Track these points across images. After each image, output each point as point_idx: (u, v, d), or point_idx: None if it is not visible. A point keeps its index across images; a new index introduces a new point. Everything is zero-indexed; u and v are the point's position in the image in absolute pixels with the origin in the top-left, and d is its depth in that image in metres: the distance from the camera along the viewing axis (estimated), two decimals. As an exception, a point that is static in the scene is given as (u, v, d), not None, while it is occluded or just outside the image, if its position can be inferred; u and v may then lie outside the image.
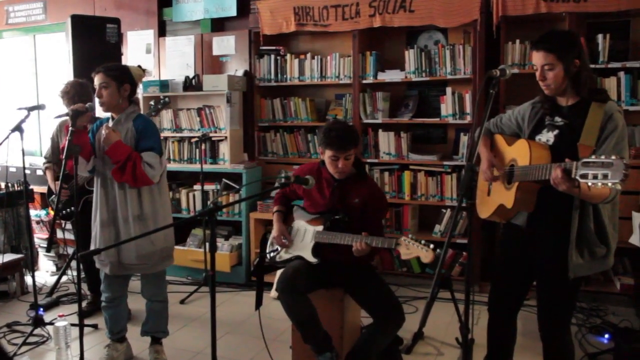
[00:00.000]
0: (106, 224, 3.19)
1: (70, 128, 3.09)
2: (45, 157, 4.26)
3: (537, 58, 2.35)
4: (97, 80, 3.12)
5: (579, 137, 2.26)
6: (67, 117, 3.04)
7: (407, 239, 2.69)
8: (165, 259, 3.32)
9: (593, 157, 1.96)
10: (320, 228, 3.04)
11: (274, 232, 3.17)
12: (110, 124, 3.18)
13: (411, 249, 2.66)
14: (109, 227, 3.19)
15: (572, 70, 2.32)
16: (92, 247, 3.24)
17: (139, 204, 3.17)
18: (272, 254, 3.23)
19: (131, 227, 3.14)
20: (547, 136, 2.42)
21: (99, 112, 3.52)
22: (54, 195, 4.23)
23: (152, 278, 3.34)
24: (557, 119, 2.42)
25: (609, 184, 1.91)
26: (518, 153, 2.46)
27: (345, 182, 3.05)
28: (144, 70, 3.33)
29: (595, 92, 2.35)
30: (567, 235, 2.32)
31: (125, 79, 3.16)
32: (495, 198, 2.59)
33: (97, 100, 3.16)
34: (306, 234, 3.10)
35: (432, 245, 2.62)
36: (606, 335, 3.59)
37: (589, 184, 1.97)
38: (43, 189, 4.32)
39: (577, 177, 1.99)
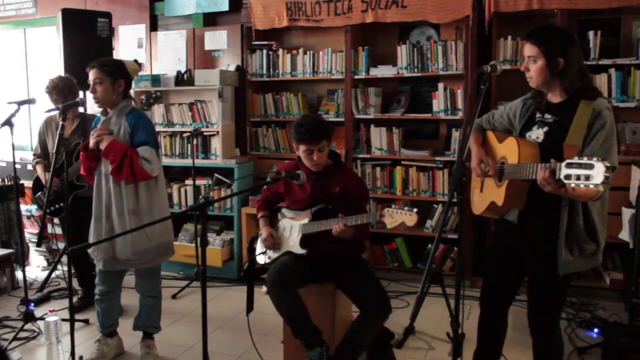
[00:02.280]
0: (100, 219, 3.18)
1: (61, 122, 3.08)
2: (34, 154, 4.22)
3: (525, 49, 2.40)
4: (91, 75, 3.10)
5: (567, 134, 2.27)
6: (55, 113, 3.02)
7: (390, 209, 2.74)
8: (162, 254, 3.31)
9: (576, 158, 1.97)
10: (305, 221, 3.07)
11: (263, 235, 3.19)
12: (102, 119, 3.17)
13: (395, 217, 2.71)
14: (103, 222, 3.17)
15: (554, 68, 2.33)
16: (90, 239, 3.23)
17: (135, 198, 3.15)
18: (261, 256, 3.24)
19: (126, 222, 3.13)
20: (537, 133, 2.43)
21: (93, 107, 3.49)
22: (40, 192, 4.20)
23: (147, 273, 3.33)
24: (547, 116, 2.42)
25: (591, 186, 1.93)
26: (507, 151, 2.47)
27: (323, 173, 3.10)
28: (140, 65, 3.31)
29: (585, 90, 2.36)
30: (556, 232, 2.34)
31: (120, 75, 3.14)
32: (487, 195, 2.60)
33: (91, 95, 3.14)
34: (292, 229, 3.12)
35: (415, 209, 2.66)
36: (595, 330, 3.63)
37: (572, 185, 1.98)
38: (33, 184, 4.29)
39: (561, 178, 2.01)
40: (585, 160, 1.93)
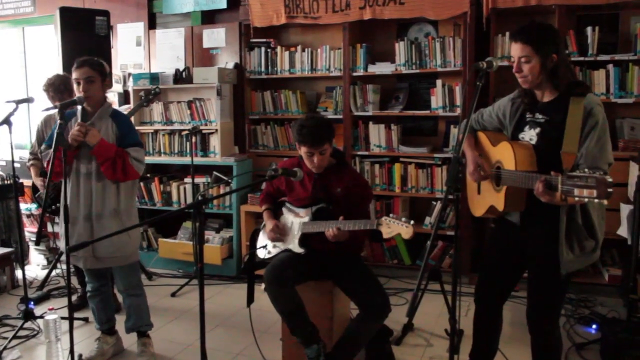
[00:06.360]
0: (79, 219, 3.15)
1: (59, 121, 3.07)
2: (30, 153, 4.21)
3: (514, 50, 2.34)
4: (81, 73, 3.07)
5: (561, 135, 2.25)
6: (54, 111, 3.02)
7: (388, 218, 2.73)
8: (135, 251, 3.33)
9: (577, 172, 1.97)
10: (306, 219, 3.06)
11: (269, 227, 3.17)
12: (79, 118, 3.14)
13: (392, 227, 2.70)
14: (84, 222, 3.15)
15: (549, 65, 2.30)
16: (63, 243, 3.18)
17: (116, 199, 3.17)
18: (261, 250, 3.24)
19: (107, 221, 3.14)
20: (530, 134, 2.42)
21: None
22: (40, 192, 4.20)
23: (126, 270, 3.33)
24: (538, 115, 2.41)
25: (595, 201, 1.92)
26: (502, 155, 2.46)
27: (325, 173, 3.07)
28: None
29: (574, 86, 2.34)
30: (557, 231, 2.33)
31: (106, 74, 3.18)
32: (485, 198, 2.60)
33: (79, 93, 3.11)
34: (292, 226, 3.12)
35: (412, 222, 2.65)
36: (594, 326, 3.64)
37: (576, 199, 1.98)
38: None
39: (563, 193, 2.01)
40: (586, 173, 1.93)
